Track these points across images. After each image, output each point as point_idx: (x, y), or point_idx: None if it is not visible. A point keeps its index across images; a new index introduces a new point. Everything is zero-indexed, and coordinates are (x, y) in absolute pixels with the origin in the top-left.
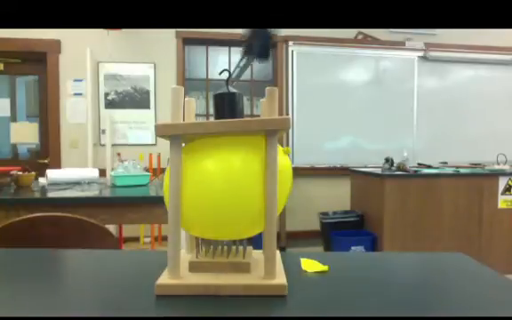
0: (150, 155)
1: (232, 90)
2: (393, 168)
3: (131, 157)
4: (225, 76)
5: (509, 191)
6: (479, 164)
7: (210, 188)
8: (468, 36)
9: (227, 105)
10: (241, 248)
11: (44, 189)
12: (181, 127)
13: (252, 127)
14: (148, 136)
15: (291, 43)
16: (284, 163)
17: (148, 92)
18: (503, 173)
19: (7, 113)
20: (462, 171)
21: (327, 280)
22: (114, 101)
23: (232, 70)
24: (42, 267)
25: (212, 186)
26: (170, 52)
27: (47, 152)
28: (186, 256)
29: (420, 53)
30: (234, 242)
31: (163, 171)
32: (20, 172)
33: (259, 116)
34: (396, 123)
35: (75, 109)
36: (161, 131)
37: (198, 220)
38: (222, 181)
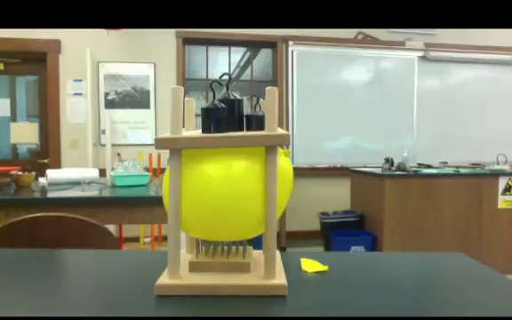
0: (150, 155)
1: (219, 103)
2: (393, 168)
3: (131, 157)
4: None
5: (509, 191)
6: (479, 164)
7: (209, 191)
8: (468, 36)
9: (212, 118)
10: (241, 248)
11: (43, 189)
12: (180, 142)
13: (251, 142)
14: (147, 136)
15: (291, 43)
16: (284, 165)
17: (147, 92)
18: (503, 173)
19: (7, 113)
20: (462, 171)
21: (327, 280)
22: (114, 101)
23: (232, 71)
24: (42, 267)
25: (212, 190)
26: (170, 52)
27: (47, 152)
28: (186, 256)
29: (420, 53)
30: (234, 242)
31: (163, 171)
32: (20, 172)
33: None
34: (396, 123)
35: (75, 109)
36: (160, 145)
37: (198, 223)
38: (222, 185)
